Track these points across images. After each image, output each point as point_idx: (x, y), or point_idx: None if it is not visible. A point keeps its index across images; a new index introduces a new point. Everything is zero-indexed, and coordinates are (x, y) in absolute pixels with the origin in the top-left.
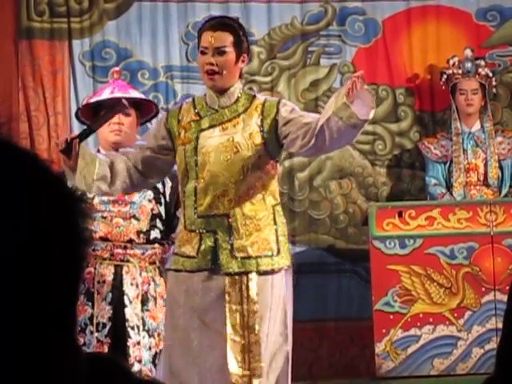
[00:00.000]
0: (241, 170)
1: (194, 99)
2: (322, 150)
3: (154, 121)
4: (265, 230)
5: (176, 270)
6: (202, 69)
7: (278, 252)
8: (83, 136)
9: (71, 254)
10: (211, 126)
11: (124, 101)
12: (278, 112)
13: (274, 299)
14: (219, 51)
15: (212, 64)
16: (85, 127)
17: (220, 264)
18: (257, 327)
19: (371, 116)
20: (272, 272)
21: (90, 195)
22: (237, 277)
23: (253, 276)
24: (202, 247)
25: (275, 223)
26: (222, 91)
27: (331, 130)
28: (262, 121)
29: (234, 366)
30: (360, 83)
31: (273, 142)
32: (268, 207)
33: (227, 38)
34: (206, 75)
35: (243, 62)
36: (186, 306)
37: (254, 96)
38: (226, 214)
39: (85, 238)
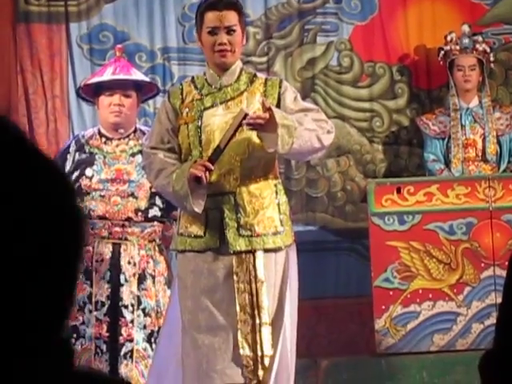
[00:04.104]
0: (246, 148)
1: (193, 78)
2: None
3: (150, 102)
4: (269, 207)
5: (183, 251)
6: (211, 49)
7: (283, 230)
8: (215, 157)
9: (71, 234)
10: (214, 105)
11: (246, 110)
12: (280, 93)
13: (277, 277)
14: (229, 30)
15: (225, 44)
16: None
17: (227, 242)
18: (266, 306)
19: (278, 150)
20: (276, 250)
21: (88, 174)
22: (244, 255)
23: (259, 254)
24: (209, 226)
25: (278, 201)
26: (224, 69)
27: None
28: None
29: (244, 348)
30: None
31: None
32: (271, 185)
33: (234, 17)
34: (218, 54)
35: (245, 38)
36: (193, 287)
37: (255, 75)
38: (231, 191)
39: (82, 217)
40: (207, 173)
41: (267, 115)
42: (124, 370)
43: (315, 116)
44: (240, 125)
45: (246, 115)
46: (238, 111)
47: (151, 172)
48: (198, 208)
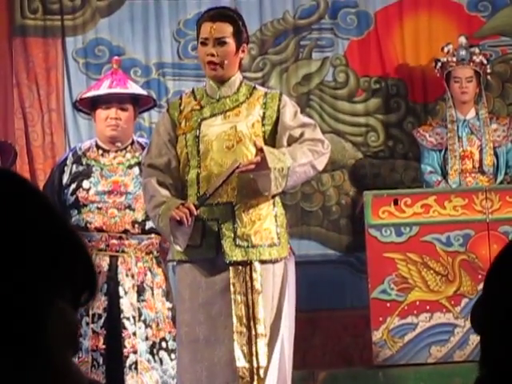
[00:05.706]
0: (244, 159)
1: (193, 90)
2: None
3: (146, 117)
4: (266, 219)
5: (180, 261)
6: (202, 59)
7: (279, 242)
8: (200, 203)
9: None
10: (213, 115)
11: (240, 163)
12: (280, 106)
13: (275, 289)
14: (219, 42)
15: (213, 55)
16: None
17: (224, 253)
18: (262, 318)
19: (272, 192)
20: (273, 261)
21: (85, 186)
22: (240, 267)
23: (256, 266)
24: (206, 236)
25: (275, 213)
26: (222, 81)
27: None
28: (263, 112)
29: (240, 359)
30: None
31: (271, 134)
32: (268, 197)
33: (227, 29)
34: (207, 66)
35: (243, 52)
36: (191, 301)
37: (255, 87)
38: (229, 202)
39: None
40: (192, 216)
41: (259, 159)
42: (130, 381)
43: (311, 135)
44: (232, 174)
45: (239, 166)
46: (232, 161)
47: (145, 194)
48: (180, 247)
